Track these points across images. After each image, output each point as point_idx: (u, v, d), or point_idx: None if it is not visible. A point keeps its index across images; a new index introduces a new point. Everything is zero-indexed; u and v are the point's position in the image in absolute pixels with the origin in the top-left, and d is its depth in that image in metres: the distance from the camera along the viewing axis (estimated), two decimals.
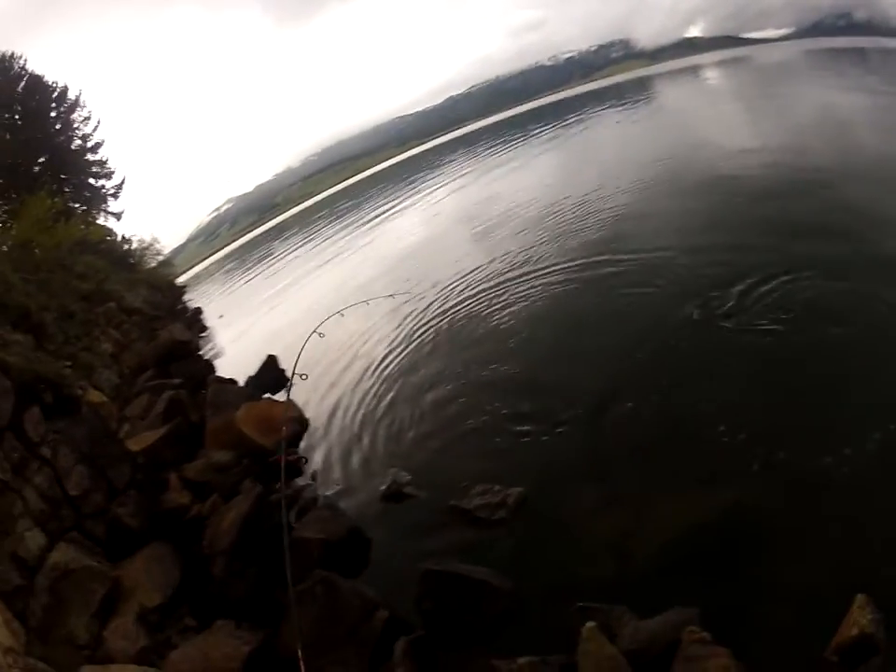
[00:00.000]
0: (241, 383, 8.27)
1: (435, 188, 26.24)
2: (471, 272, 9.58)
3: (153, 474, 5.29)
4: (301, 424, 6.06)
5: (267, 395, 7.42)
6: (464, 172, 28.08)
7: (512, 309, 7.42)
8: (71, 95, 25.74)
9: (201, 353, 12.13)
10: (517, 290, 7.94)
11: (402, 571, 3.70)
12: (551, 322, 6.62)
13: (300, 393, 7.31)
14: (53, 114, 24.99)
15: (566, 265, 8.04)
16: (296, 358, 8.27)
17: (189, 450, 6.08)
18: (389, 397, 6.49)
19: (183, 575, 4.18)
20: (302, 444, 6.04)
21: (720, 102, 25.39)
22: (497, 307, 7.68)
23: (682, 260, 6.69)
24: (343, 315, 9.63)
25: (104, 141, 26.96)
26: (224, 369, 9.80)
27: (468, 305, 8.22)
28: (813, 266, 5.45)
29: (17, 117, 23.35)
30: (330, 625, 3.18)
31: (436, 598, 3.31)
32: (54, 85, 25.21)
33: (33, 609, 3.58)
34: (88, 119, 26.32)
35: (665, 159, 12.58)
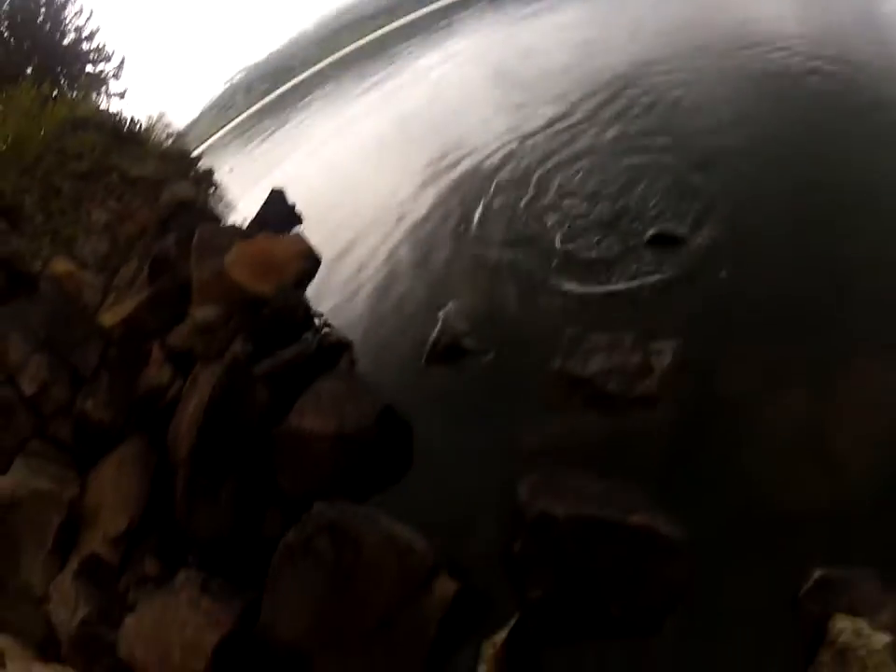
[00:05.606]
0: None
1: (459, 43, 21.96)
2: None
3: (132, 348, 4.15)
4: (311, 260, 4.34)
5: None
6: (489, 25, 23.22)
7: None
8: None
9: (207, 208, 10.71)
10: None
11: (477, 493, 2.12)
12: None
13: (312, 232, 5.81)
14: (41, 19, 22.84)
15: None
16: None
17: (176, 313, 4.70)
18: (433, 213, 4.73)
19: (153, 484, 3.05)
20: (312, 289, 4.34)
21: None
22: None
23: None
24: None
25: (98, 28, 24.76)
26: (230, 221, 8.34)
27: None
28: None
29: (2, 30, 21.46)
30: (347, 609, 1.71)
31: (563, 567, 1.68)
32: None
33: None
34: (79, 12, 24.13)
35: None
